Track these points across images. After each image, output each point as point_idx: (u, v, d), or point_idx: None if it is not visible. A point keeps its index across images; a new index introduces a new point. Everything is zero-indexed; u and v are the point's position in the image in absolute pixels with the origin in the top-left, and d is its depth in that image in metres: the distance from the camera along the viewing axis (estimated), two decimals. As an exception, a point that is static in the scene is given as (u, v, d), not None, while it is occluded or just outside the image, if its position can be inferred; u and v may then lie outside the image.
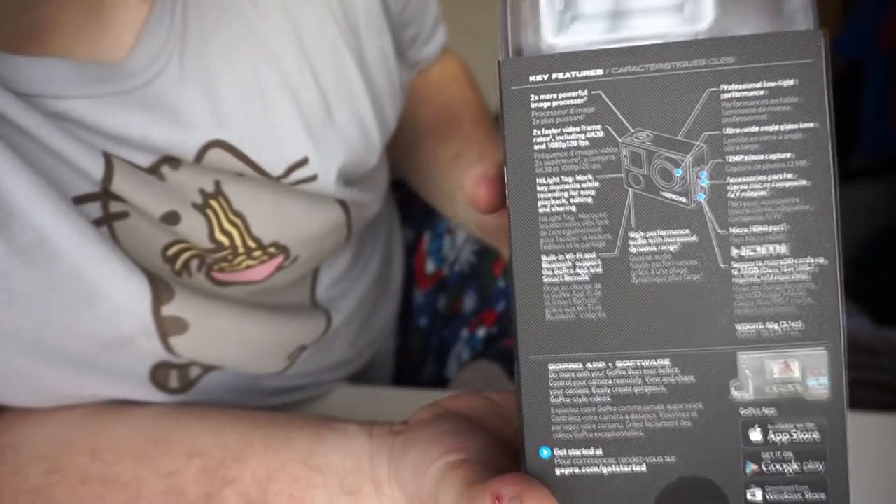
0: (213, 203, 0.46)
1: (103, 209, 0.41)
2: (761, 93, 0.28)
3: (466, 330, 0.71)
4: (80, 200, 0.40)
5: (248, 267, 0.49)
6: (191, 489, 0.43)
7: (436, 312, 0.75)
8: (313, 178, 0.48)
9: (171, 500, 0.43)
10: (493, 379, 0.63)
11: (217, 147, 0.44)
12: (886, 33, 1.53)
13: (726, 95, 0.28)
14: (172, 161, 0.44)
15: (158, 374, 0.47)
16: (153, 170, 0.43)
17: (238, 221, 0.47)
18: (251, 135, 0.45)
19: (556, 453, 0.31)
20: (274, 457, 0.43)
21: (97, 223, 0.41)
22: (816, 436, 0.29)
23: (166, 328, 0.44)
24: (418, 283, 0.77)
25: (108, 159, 0.41)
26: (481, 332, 0.70)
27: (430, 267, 0.76)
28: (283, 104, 0.46)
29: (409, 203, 0.78)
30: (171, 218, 0.44)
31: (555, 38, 0.30)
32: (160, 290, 0.43)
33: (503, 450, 0.38)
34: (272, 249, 0.49)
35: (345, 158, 0.49)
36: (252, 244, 0.48)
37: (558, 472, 0.31)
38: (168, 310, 0.43)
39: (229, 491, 0.43)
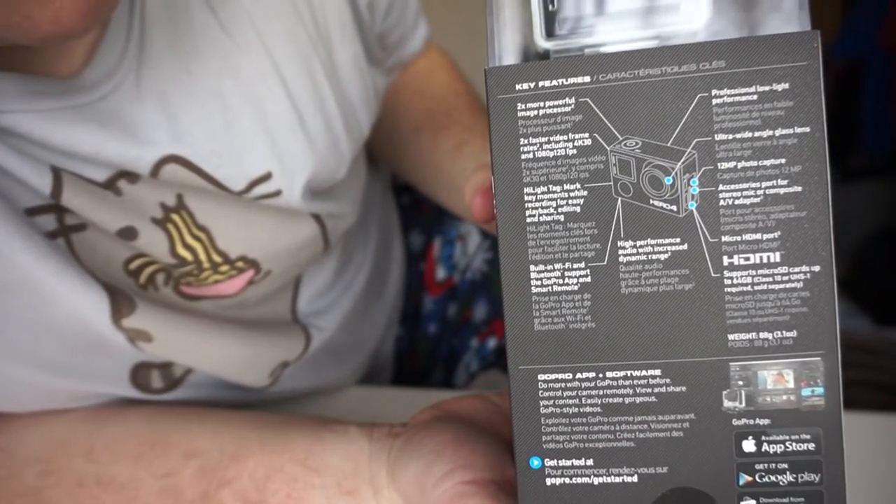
0: (175, 217, 0.45)
1: (58, 221, 0.41)
2: (754, 97, 0.28)
3: (476, 339, 0.70)
4: (32, 212, 0.40)
5: (217, 281, 0.48)
6: (188, 489, 0.43)
7: (445, 320, 0.74)
8: (277, 193, 0.47)
9: (169, 501, 0.43)
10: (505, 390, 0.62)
11: (173, 162, 0.43)
12: (886, 33, 1.53)
13: (717, 101, 0.28)
14: (130, 175, 0.43)
15: (139, 376, 0.46)
16: (109, 184, 0.42)
17: (202, 236, 0.46)
18: (210, 150, 0.44)
19: (546, 463, 0.31)
20: (272, 457, 0.43)
21: (53, 235, 0.41)
22: (812, 446, 0.29)
23: (132, 336, 0.43)
24: (428, 290, 0.75)
25: (57, 174, 0.40)
26: (492, 343, 0.69)
27: (440, 273, 0.75)
28: (247, 118, 0.45)
29: (419, 208, 0.77)
30: (128, 233, 0.43)
31: (547, 42, 0.30)
32: (120, 303, 0.42)
33: (507, 453, 0.38)
34: (240, 264, 0.48)
35: (312, 172, 0.48)
36: (218, 259, 0.47)
37: (549, 481, 0.31)
38: (129, 322, 0.43)
39: (227, 491, 0.43)
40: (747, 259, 0.28)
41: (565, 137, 0.29)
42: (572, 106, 0.29)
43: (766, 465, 0.29)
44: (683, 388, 0.29)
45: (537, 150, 0.29)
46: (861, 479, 0.30)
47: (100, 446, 0.45)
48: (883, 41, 1.54)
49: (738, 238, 0.28)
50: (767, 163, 0.28)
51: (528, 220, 0.30)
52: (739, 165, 0.28)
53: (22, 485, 0.44)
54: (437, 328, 0.74)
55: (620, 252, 0.29)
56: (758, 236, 0.28)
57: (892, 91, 1.54)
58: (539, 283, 0.30)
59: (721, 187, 0.28)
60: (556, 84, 0.29)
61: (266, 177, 0.46)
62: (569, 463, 0.30)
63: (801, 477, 0.29)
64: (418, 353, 0.75)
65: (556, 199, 0.29)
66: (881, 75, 1.55)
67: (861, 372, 0.85)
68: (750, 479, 0.29)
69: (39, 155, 0.39)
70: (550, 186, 0.29)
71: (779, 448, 0.29)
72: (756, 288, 0.28)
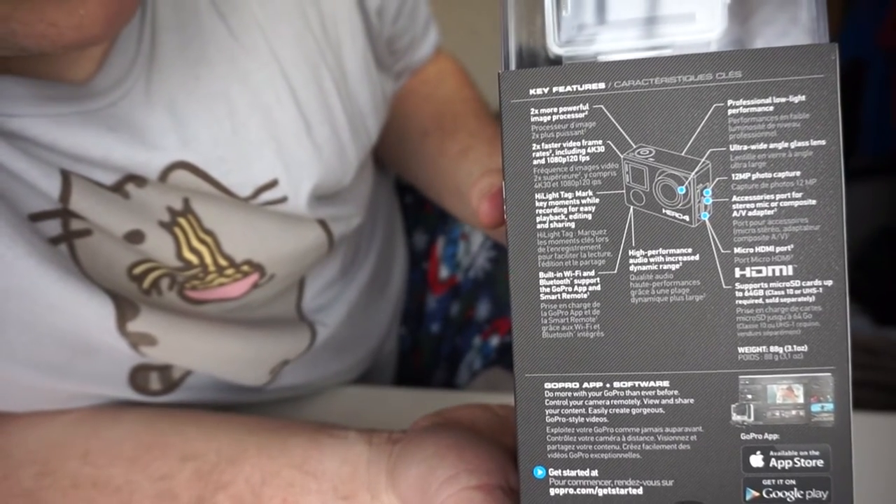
0: (182, 221, 0.45)
1: (63, 227, 0.41)
2: (770, 108, 0.27)
3: (479, 338, 0.70)
4: (36, 217, 0.39)
5: (221, 284, 0.48)
6: (183, 493, 0.43)
7: (448, 319, 0.74)
8: (283, 199, 0.47)
9: None
10: (507, 388, 0.62)
11: (181, 168, 0.43)
12: (886, 33, 1.53)
13: (733, 111, 0.27)
14: (138, 179, 0.43)
15: (138, 378, 0.46)
16: (117, 188, 0.42)
17: (208, 239, 0.46)
18: (218, 156, 0.44)
19: (550, 473, 0.30)
20: (268, 461, 0.43)
21: (56, 241, 0.40)
22: (820, 463, 0.28)
23: (135, 340, 0.43)
24: (432, 289, 0.76)
25: (66, 177, 0.40)
26: (494, 341, 0.69)
27: (443, 272, 0.75)
28: (255, 125, 0.45)
29: (422, 208, 0.77)
30: (135, 236, 0.43)
31: (560, 47, 0.29)
32: (123, 308, 0.42)
33: (510, 459, 0.38)
34: (245, 268, 0.48)
35: (318, 179, 0.48)
36: (223, 262, 0.47)
37: (552, 492, 0.30)
38: (134, 326, 0.42)
39: (222, 495, 0.42)
40: (759, 271, 0.28)
41: (578, 144, 0.28)
42: (586, 112, 0.28)
43: (773, 480, 0.29)
44: (691, 401, 0.29)
45: (549, 155, 0.29)
46: (861, 480, 0.29)
47: (96, 449, 0.44)
48: (883, 41, 1.54)
49: (751, 250, 0.28)
50: (782, 175, 0.27)
51: (539, 226, 0.29)
52: (754, 177, 0.27)
53: (18, 486, 0.44)
54: (440, 327, 0.74)
55: (631, 261, 0.29)
56: (770, 249, 0.28)
57: (892, 91, 1.54)
58: (548, 290, 0.29)
59: (735, 198, 0.28)
60: (571, 90, 0.28)
61: (272, 184, 0.46)
62: (573, 473, 0.30)
63: (809, 494, 0.28)
64: (421, 351, 0.75)
65: (567, 206, 0.29)
66: (881, 75, 1.55)
67: (861, 372, 0.85)
68: (757, 494, 0.29)
69: (48, 158, 0.39)
70: (562, 193, 0.29)
71: (787, 464, 0.28)
72: (768, 301, 0.28)
